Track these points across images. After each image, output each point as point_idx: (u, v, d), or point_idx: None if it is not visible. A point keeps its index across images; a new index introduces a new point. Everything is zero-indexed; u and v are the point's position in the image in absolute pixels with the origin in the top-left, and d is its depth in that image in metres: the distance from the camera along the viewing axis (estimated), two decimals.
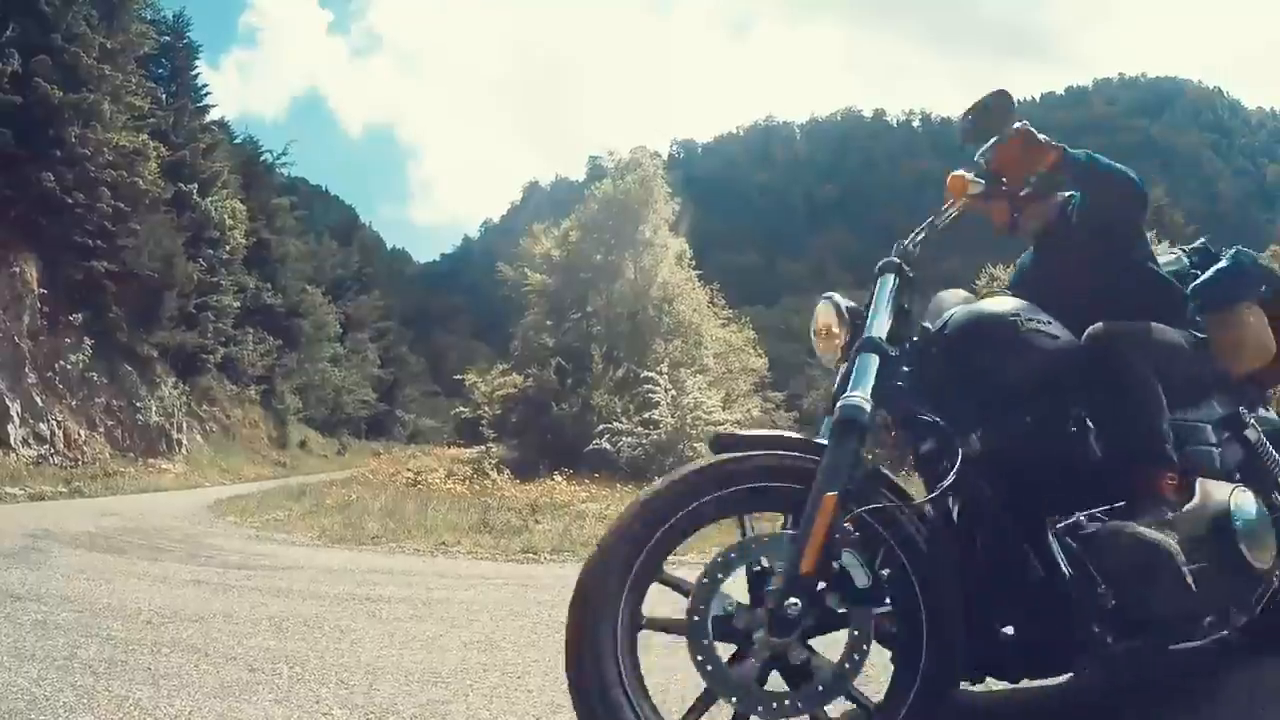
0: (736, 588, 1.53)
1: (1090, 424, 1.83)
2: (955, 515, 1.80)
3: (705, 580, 1.48)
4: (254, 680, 2.57)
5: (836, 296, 1.88)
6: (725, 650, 1.48)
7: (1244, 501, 1.81)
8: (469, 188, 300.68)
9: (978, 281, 28.61)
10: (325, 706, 2.32)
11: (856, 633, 1.48)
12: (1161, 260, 2.26)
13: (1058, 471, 1.77)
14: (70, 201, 16.72)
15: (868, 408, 1.57)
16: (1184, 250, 2.42)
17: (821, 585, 1.47)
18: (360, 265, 52.24)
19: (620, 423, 22.40)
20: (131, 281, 18.79)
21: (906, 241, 1.86)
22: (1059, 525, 1.73)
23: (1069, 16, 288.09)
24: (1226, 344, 2.07)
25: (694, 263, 32.24)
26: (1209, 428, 2.01)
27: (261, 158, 40.57)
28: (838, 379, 1.76)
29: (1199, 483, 1.80)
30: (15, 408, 15.43)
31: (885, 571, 1.55)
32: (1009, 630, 1.75)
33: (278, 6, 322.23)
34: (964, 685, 1.76)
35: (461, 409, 38.56)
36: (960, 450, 1.65)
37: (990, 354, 1.77)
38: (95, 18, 18.13)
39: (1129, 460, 1.78)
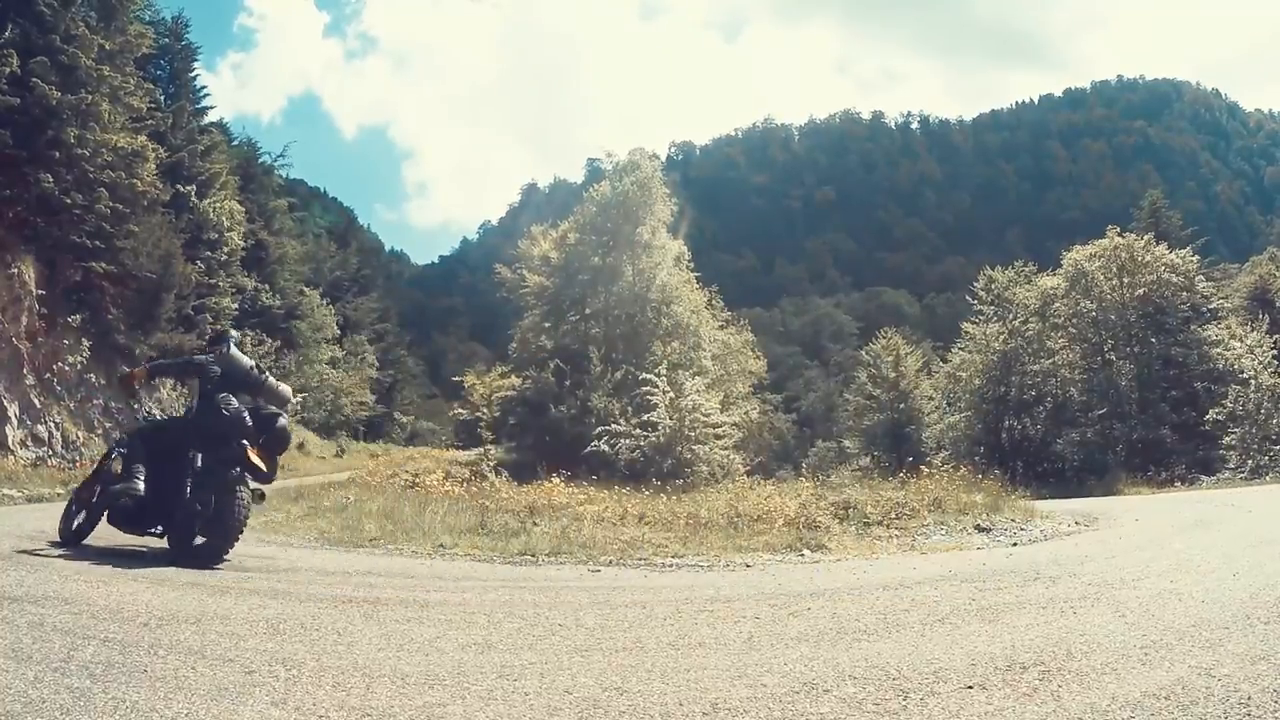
0: None
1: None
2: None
3: None
4: (251, 683, 2.56)
5: None
6: None
7: None
8: (466, 190, 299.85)
9: (976, 283, 28.74)
10: (322, 709, 2.31)
11: None
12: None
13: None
14: (69, 202, 16.68)
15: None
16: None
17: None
18: (358, 267, 52.21)
19: (619, 424, 22.36)
20: (129, 283, 18.72)
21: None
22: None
23: (1067, 19, 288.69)
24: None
25: (692, 264, 32.23)
26: None
27: (260, 159, 40.60)
28: None
29: None
30: (13, 409, 15.39)
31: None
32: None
33: (273, 9, 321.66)
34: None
35: (459, 411, 38.52)
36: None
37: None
38: (94, 19, 18.09)
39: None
